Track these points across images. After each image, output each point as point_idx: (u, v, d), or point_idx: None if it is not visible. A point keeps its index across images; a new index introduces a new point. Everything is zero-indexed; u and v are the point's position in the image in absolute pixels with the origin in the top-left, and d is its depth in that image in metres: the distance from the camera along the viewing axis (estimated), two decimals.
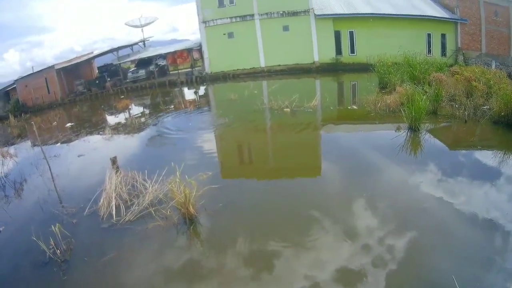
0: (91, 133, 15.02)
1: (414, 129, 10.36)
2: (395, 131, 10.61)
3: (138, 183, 7.63)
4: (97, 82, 30.01)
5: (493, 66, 23.28)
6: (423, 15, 26.55)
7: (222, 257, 5.55)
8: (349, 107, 13.99)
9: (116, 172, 8.15)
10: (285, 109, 14.31)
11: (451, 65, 19.47)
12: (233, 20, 28.19)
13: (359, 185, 7.70)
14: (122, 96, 25.79)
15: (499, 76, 17.37)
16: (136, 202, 6.97)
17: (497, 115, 11.24)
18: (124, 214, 6.69)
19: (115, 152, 9.71)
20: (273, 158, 10.26)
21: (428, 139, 10.15)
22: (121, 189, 7.38)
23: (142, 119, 16.73)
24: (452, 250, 5.45)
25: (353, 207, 6.77)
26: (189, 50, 30.98)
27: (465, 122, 11.28)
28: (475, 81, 14.84)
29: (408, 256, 5.31)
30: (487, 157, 8.90)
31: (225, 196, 7.29)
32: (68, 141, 14.23)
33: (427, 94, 11.86)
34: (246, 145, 11.49)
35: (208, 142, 11.68)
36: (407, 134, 10.34)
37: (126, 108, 20.83)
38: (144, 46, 34.42)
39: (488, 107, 12.69)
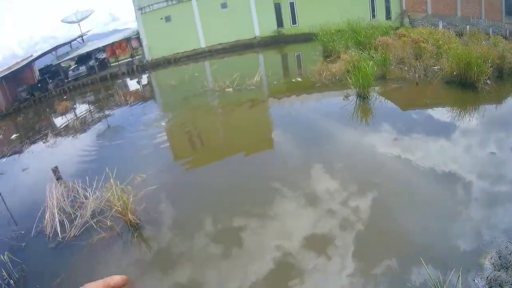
0: (34, 142, 13.82)
1: (363, 96, 9.98)
2: (344, 100, 10.20)
3: (79, 193, 7.10)
4: (39, 85, 27.83)
5: (441, 27, 23.03)
6: None
7: (170, 264, 5.24)
8: (293, 80, 13.03)
9: (58, 183, 7.57)
10: (226, 90, 13.53)
11: (397, 28, 19.10)
12: (169, 3, 26.79)
13: (316, 153, 7.59)
14: (65, 97, 23.95)
15: (448, 36, 17.15)
16: (79, 214, 6.52)
17: (449, 75, 11.00)
18: (69, 229, 6.26)
19: (57, 160, 9.09)
20: (224, 142, 9.64)
21: (379, 103, 9.88)
22: (63, 202, 6.91)
23: (85, 119, 15.30)
24: (415, 204, 5.68)
25: (313, 174, 6.77)
26: (127, 40, 29.20)
27: (416, 84, 11.10)
28: (423, 42, 14.34)
29: (374, 215, 5.43)
30: (442, 114, 8.93)
31: (167, 196, 6.98)
32: (13, 153, 12.96)
33: (374, 59, 11.53)
34: (188, 134, 10.61)
35: (151, 139, 10.53)
36: (356, 101, 9.97)
37: (67, 110, 19.15)
38: (83, 41, 31.97)
39: (439, 67, 12.23)
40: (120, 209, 5.88)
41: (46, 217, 6.55)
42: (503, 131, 7.81)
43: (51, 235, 6.24)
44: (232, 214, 5.95)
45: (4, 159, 12.48)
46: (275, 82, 13.68)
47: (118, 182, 6.14)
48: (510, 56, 14.27)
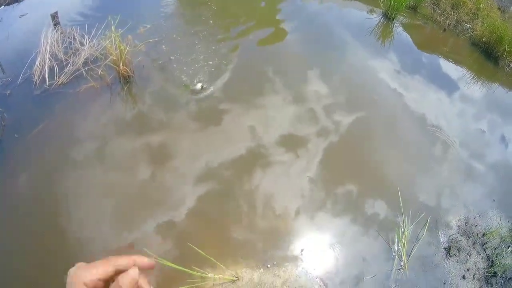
0: None
1: (388, 17, 9.69)
2: (367, 13, 9.80)
3: (75, 40, 6.71)
4: None
5: None
6: None
7: (148, 126, 5.34)
8: None
9: (55, 28, 7.15)
10: None
11: None
12: None
13: (321, 55, 7.50)
14: None
15: (490, 5, 16.15)
16: (71, 61, 6.22)
17: (478, 38, 10.61)
18: (57, 76, 5.99)
19: (58, 7, 8.40)
20: (233, 18, 8.78)
21: (399, 31, 9.56)
22: (57, 47, 6.50)
23: None
24: (396, 139, 5.87)
25: (309, 75, 6.74)
26: None
27: (443, 30, 10.59)
28: None
29: (353, 134, 5.62)
30: (453, 70, 8.69)
31: (168, 52, 6.79)
32: (13, 1, 10.96)
33: None
34: None
35: None
36: (380, 20, 9.67)
37: None
38: None
39: (471, 26, 11.64)
40: (115, 58, 5.67)
41: (37, 63, 6.20)
42: (502, 116, 7.72)
43: (38, 82, 5.96)
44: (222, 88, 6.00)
45: (2, 7, 10.65)
46: None
47: (120, 30, 5.83)
48: None
